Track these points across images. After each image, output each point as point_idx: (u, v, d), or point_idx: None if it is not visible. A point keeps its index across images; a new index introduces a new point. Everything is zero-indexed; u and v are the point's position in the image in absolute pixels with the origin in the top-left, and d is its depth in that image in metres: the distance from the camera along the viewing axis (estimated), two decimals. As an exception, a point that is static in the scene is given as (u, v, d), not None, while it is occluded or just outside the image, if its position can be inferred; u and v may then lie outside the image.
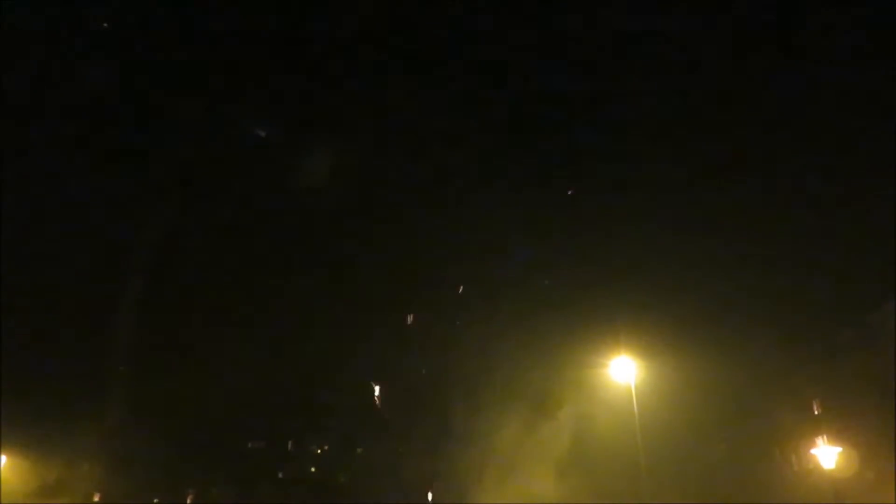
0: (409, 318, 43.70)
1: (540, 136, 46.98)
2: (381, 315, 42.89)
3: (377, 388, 41.03)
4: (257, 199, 46.87)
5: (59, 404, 45.21)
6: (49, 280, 46.46)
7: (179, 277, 46.54)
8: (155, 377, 46.12)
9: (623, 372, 30.99)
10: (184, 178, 46.02)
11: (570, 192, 45.28)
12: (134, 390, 45.54)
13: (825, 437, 34.98)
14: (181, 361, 45.66)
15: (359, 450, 47.85)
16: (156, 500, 53.81)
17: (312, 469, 50.67)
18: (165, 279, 46.22)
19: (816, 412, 46.07)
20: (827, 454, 26.41)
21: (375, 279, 44.10)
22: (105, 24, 40.62)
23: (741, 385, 40.74)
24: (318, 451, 51.02)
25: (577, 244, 44.16)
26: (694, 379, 38.37)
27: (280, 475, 48.60)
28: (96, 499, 55.94)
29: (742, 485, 43.34)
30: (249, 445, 50.31)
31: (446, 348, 39.27)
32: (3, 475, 51.93)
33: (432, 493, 37.49)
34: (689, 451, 41.09)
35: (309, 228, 46.33)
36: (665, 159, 43.57)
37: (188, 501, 55.09)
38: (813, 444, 35.62)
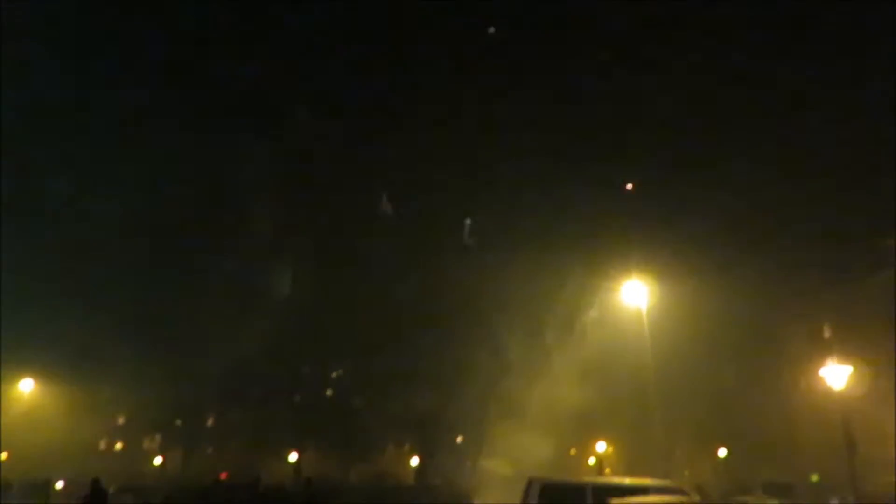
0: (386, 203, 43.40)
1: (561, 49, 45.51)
2: (396, 235, 42.83)
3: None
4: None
5: (84, 332, 46.08)
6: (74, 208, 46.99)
7: (197, 200, 46.72)
8: (174, 306, 46.80)
9: (634, 295, 31.08)
10: None
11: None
12: (154, 318, 46.25)
13: (835, 358, 35.15)
14: (201, 291, 46.22)
15: (373, 374, 48.74)
16: (178, 422, 55.57)
17: (328, 392, 51.79)
18: (186, 198, 46.41)
19: (827, 335, 46.38)
20: (836, 374, 26.61)
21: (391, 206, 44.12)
22: None
23: (753, 309, 40.84)
24: (333, 375, 52.05)
25: (590, 166, 43.66)
26: (705, 303, 38.49)
27: (296, 398, 49.66)
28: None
29: (751, 406, 43.99)
30: (265, 370, 51.37)
31: (461, 272, 39.37)
32: (30, 399, 53.68)
33: (448, 411, 38.28)
34: (701, 374, 41.56)
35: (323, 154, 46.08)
36: (683, 69, 42.54)
37: (208, 423, 56.83)
38: (822, 366, 35.88)
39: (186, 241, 46.41)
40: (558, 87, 46.25)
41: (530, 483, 16.53)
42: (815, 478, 41.70)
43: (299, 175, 45.76)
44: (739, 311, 40.84)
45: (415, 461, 49.51)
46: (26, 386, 53.58)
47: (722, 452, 50.73)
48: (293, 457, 49.31)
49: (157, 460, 59.42)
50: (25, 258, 46.56)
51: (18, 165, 44.69)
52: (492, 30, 45.71)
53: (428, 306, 40.15)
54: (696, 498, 17.01)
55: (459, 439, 45.96)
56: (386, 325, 41.29)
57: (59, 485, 45.34)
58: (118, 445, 63.80)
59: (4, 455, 51.26)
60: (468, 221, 42.41)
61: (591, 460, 56.90)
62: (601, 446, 59.49)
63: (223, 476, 42.79)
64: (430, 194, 43.06)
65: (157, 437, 59.79)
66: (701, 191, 42.34)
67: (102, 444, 62.30)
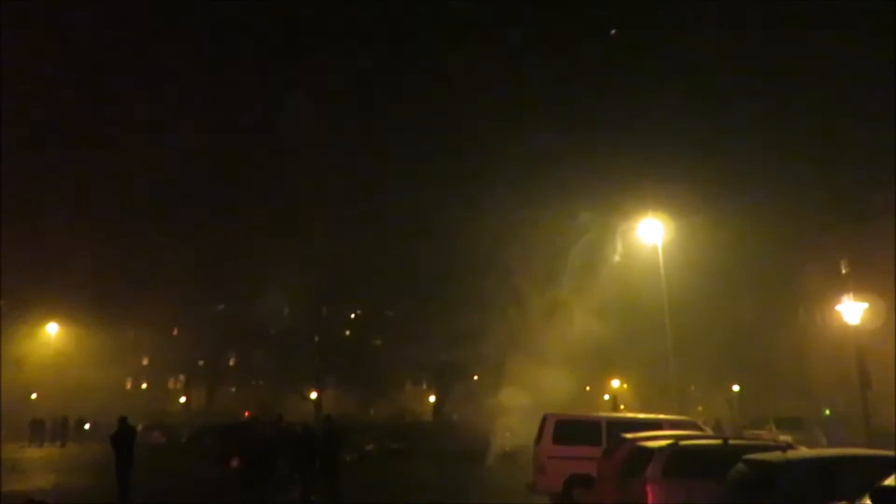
0: None
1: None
2: (413, 178, 42.78)
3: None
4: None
5: (108, 275, 46.73)
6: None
7: (225, 144, 46.76)
8: (196, 250, 47.27)
9: (651, 233, 30.99)
10: None
11: (612, 33, 43.65)
12: (179, 261, 46.77)
13: (851, 294, 35.06)
14: (223, 235, 46.59)
15: (390, 313, 49.31)
16: (201, 362, 56.86)
17: (347, 332, 52.58)
18: (215, 143, 46.44)
19: (844, 271, 46.19)
20: (852, 310, 26.61)
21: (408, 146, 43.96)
22: None
23: (769, 245, 40.62)
24: (352, 316, 52.76)
25: (605, 99, 43.09)
26: (722, 239, 38.30)
27: (316, 339, 50.44)
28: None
29: (766, 342, 44.18)
30: (285, 311, 52.11)
31: (479, 214, 39.39)
32: (55, 342, 55.01)
33: (465, 349, 38.74)
34: (716, 310, 41.64)
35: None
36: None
37: (230, 364, 58.11)
38: (838, 302, 35.84)
39: (210, 185, 46.61)
40: (574, 15, 45.37)
41: (545, 419, 16.86)
42: (827, 412, 42.19)
43: (328, 125, 45.63)
44: (756, 247, 40.70)
45: (433, 399, 50.48)
46: (52, 329, 54.85)
47: (735, 388, 51.30)
48: (314, 396, 50.42)
49: (182, 399, 61.03)
50: (48, 200, 47.17)
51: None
52: None
53: (446, 248, 40.34)
54: (710, 433, 17.30)
55: (476, 377, 46.65)
56: (404, 267, 41.59)
57: (87, 426, 46.84)
58: (144, 385, 65.55)
59: (34, 395, 52.90)
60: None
61: (606, 397, 57.77)
62: (616, 383, 60.32)
63: (246, 414, 43.97)
64: (450, 140, 42.84)
65: (181, 377, 61.31)
66: (719, 126, 41.77)
67: (128, 384, 64.03)
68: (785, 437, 23.05)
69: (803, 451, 11.46)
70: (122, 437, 17.13)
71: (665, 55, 44.61)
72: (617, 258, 36.14)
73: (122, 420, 17.62)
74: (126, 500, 16.39)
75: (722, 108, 42.52)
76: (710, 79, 43.31)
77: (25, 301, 48.21)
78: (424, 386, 56.44)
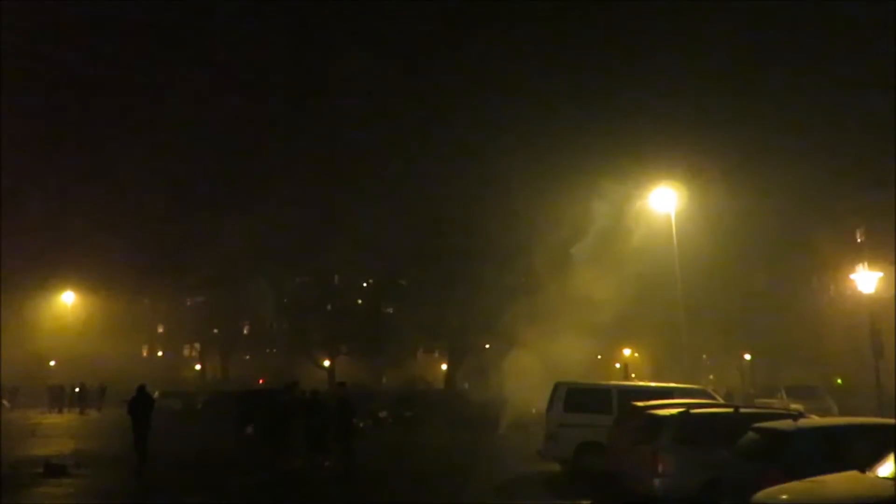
0: None
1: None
2: (428, 147, 42.59)
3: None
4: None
5: (122, 244, 47.02)
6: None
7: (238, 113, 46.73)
8: (210, 218, 47.45)
9: (663, 202, 30.82)
10: None
11: None
12: (192, 230, 46.98)
13: (866, 263, 34.79)
14: (238, 203, 46.73)
15: (402, 282, 49.47)
16: (215, 331, 57.45)
17: (359, 301, 52.87)
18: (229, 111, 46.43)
19: (859, 240, 45.81)
20: (867, 279, 26.48)
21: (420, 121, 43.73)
22: None
23: (784, 213, 40.28)
24: (364, 284, 52.99)
25: (615, 65, 42.63)
26: (736, 206, 38.01)
27: (328, 307, 50.78)
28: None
29: (778, 310, 44.03)
30: (297, 280, 52.41)
31: (491, 181, 39.26)
32: (72, 310, 55.72)
33: (476, 317, 38.91)
34: (728, 278, 41.47)
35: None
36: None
37: (245, 331, 58.71)
38: (853, 270, 35.60)
39: (225, 154, 46.62)
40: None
41: (556, 387, 16.99)
42: (839, 381, 42.19)
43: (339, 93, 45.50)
44: (770, 215, 40.39)
45: (444, 367, 50.86)
46: (68, 298, 55.51)
47: (747, 357, 51.32)
48: (327, 364, 50.93)
49: (197, 367, 61.83)
50: (65, 170, 47.47)
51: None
52: None
53: (456, 214, 40.33)
54: (721, 401, 17.38)
55: (487, 346, 46.90)
56: (418, 236, 41.64)
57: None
58: (159, 353, 66.38)
59: (53, 363, 53.76)
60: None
61: (618, 366, 57.98)
62: (627, 352, 60.46)
63: (261, 381, 44.52)
64: (466, 106, 42.58)
65: (196, 345, 62.05)
66: (735, 93, 41.24)
67: (144, 352, 64.88)
68: (796, 406, 23.08)
69: (813, 420, 11.52)
70: (140, 404, 17.39)
71: (683, 22, 43.92)
72: (624, 221, 35.91)
73: (141, 388, 17.86)
74: (143, 466, 16.72)
75: (738, 75, 41.90)
76: (727, 46, 42.64)
77: (43, 269, 48.71)
78: (436, 354, 56.81)
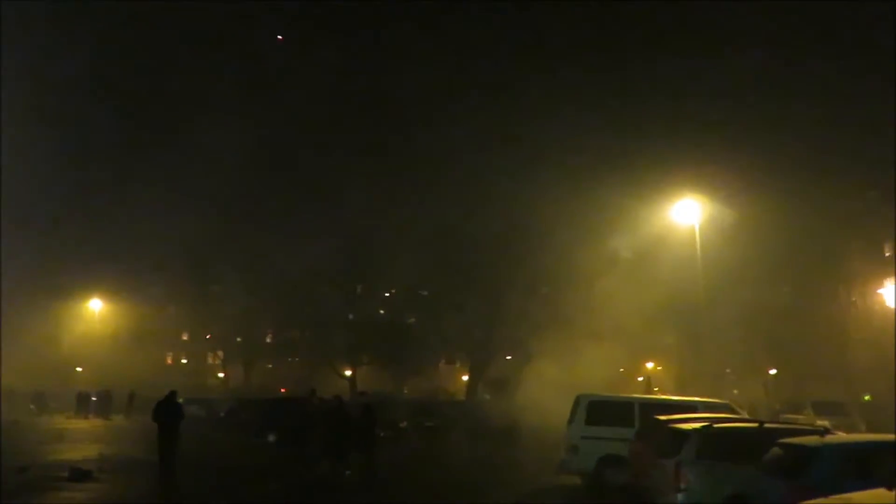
0: None
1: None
2: (452, 156, 42.70)
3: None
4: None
5: (148, 254, 47.71)
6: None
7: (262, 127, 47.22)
8: (234, 229, 48.03)
9: (687, 214, 30.65)
10: None
11: None
12: (218, 240, 47.53)
13: (894, 277, 34.32)
14: (261, 215, 47.25)
15: (424, 292, 49.57)
16: (238, 339, 57.90)
17: (381, 311, 53.03)
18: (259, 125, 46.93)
19: (887, 254, 45.08)
20: (894, 293, 26.12)
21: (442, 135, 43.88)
22: None
23: (810, 226, 39.74)
24: (386, 295, 53.14)
25: (640, 76, 42.49)
26: (760, 219, 37.59)
27: (350, 317, 50.97)
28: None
29: (804, 325, 43.39)
30: (320, 290, 52.70)
31: (514, 193, 39.29)
32: (99, 317, 56.55)
33: (498, 329, 38.86)
34: (753, 292, 40.98)
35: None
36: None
37: (268, 340, 59.06)
38: (881, 285, 35.11)
39: (252, 165, 47.11)
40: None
41: (578, 399, 16.90)
42: (867, 397, 41.42)
43: (360, 102, 45.87)
44: (796, 227, 39.88)
45: (466, 378, 50.78)
46: (95, 305, 56.32)
47: (773, 372, 50.60)
48: (349, 373, 51.10)
49: (220, 375, 62.28)
50: (90, 182, 48.30)
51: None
52: None
53: (479, 226, 40.37)
54: (745, 416, 17.17)
55: (509, 357, 46.75)
56: (440, 247, 41.72)
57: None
58: (183, 360, 67.00)
59: (80, 369, 54.55)
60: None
61: (640, 379, 57.43)
62: (650, 365, 59.86)
63: (283, 390, 44.76)
64: (488, 115, 42.72)
65: (220, 353, 62.54)
66: (760, 105, 40.87)
67: (169, 359, 65.53)
68: (823, 422, 22.73)
69: (840, 436, 11.35)
70: (168, 410, 17.29)
71: (709, 30, 43.69)
72: (647, 234, 35.69)
73: (172, 394, 17.74)
74: (169, 474, 16.69)
75: (764, 85, 41.56)
76: (753, 55, 42.28)
77: (71, 277, 49.52)
78: (458, 365, 56.75)
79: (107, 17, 46.68)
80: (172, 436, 16.96)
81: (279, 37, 49.32)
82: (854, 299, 47.62)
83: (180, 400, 18.42)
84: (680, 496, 11.18)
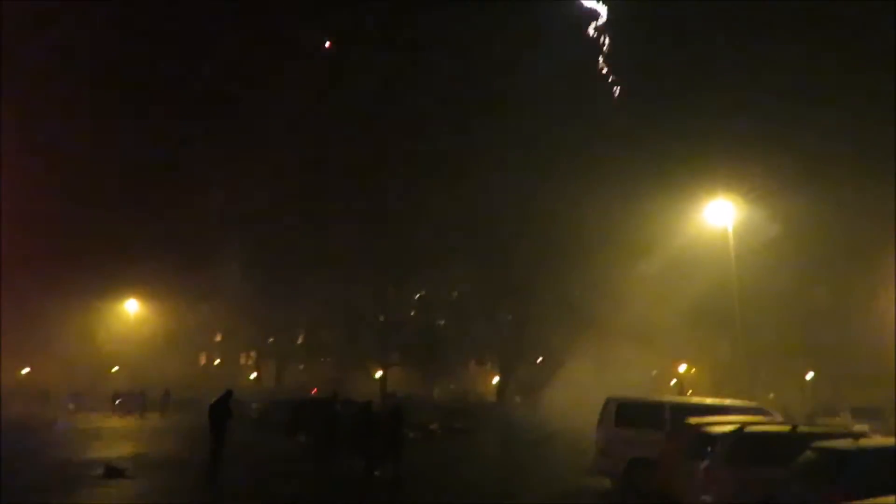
0: None
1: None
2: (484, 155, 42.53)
3: None
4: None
5: (182, 258, 48.28)
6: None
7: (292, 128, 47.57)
8: (267, 231, 48.41)
9: (720, 215, 30.18)
10: None
11: None
12: (250, 244, 47.99)
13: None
14: (293, 217, 47.55)
15: (454, 293, 49.60)
16: (271, 339, 58.51)
17: (412, 313, 53.14)
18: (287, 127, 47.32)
19: (929, 257, 43.94)
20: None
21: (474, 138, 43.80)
22: None
23: (849, 228, 38.91)
24: (417, 297, 53.25)
25: (675, 77, 41.97)
26: (797, 221, 36.91)
27: (381, 318, 51.17)
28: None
29: (842, 328, 42.55)
30: (351, 291, 52.98)
31: (545, 194, 39.04)
32: (135, 318, 57.51)
33: (529, 330, 38.71)
34: (790, 294, 40.27)
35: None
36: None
37: (299, 341, 59.56)
38: (922, 288, 34.22)
39: (285, 166, 47.37)
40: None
41: (607, 402, 16.76)
42: (907, 402, 40.43)
43: (389, 99, 45.95)
44: (833, 228, 39.09)
45: (496, 380, 50.68)
46: (131, 306, 57.32)
47: (809, 375, 49.69)
48: (379, 374, 51.30)
49: (253, 375, 62.94)
50: (126, 182, 49.04)
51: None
52: None
53: (511, 228, 40.25)
54: (780, 419, 16.87)
55: (539, 359, 46.56)
56: (471, 250, 41.68)
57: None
58: (216, 361, 67.85)
59: (116, 368, 55.59)
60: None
61: (673, 382, 56.82)
62: (682, 368, 59.19)
63: (314, 391, 45.07)
64: (524, 114, 42.48)
65: (252, 354, 63.21)
66: (798, 103, 40.09)
67: (202, 360, 66.42)
68: (861, 427, 22.26)
69: (875, 440, 11.10)
70: (220, 410, 17.17)
71: (743, 30, 43.03)
72: (682, 235, 35.25)
73: (228, 393, 17.53)
74: (214, 473, 16.25)
75: (799, 83, 40.71)
76: (789, 54, 41.48)
77: (107, 278, 50.32)
78: (488, 367, 56.67)
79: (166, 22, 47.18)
80: (223, 434, 16.77)
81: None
82: (894, 303, 46.48)
83: (212, 401, 18.36)
84: (710, 499, 11.03)
